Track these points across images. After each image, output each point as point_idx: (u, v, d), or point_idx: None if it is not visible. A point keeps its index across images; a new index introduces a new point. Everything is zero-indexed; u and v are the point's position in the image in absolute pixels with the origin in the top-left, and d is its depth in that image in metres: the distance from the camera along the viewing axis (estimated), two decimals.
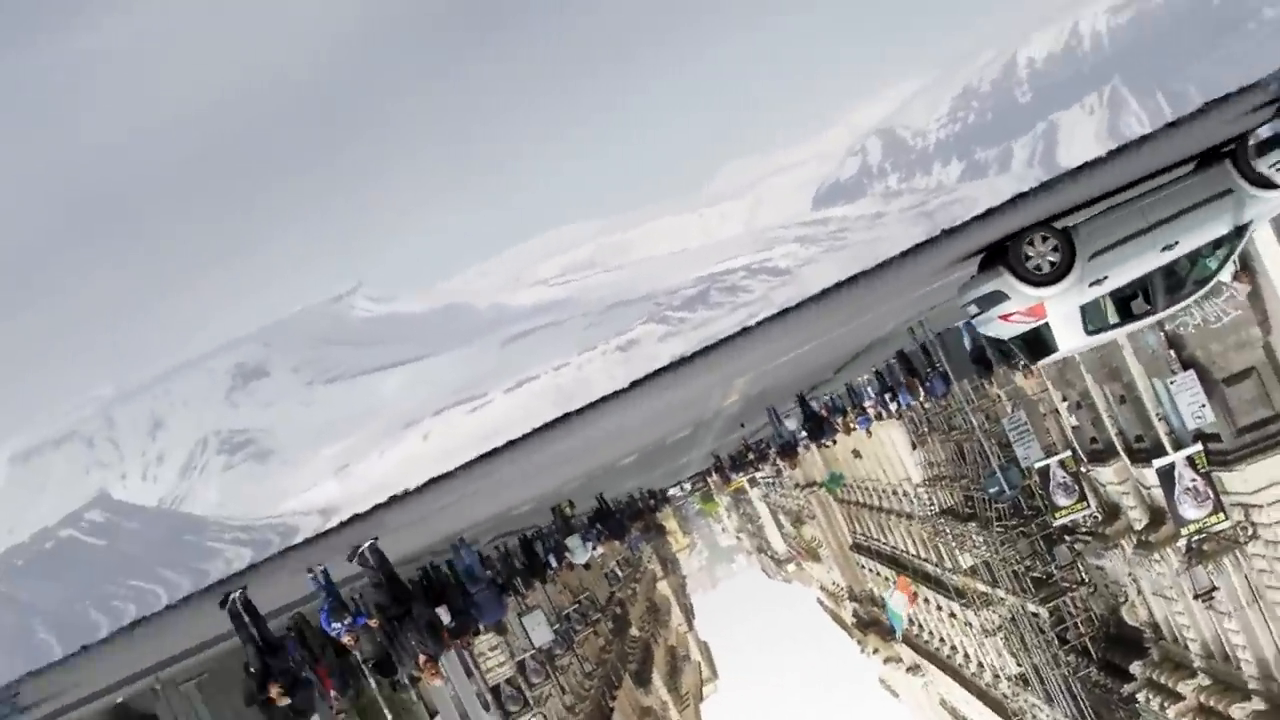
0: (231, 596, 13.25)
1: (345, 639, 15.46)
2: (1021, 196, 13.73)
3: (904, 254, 14.20)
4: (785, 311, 15.12)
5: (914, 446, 55.48)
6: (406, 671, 16.38)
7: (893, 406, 40.60)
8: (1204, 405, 26.51)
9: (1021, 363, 24.69)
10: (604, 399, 14.96)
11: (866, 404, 41.81)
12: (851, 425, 40.99)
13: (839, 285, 14.94)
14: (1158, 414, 28.73)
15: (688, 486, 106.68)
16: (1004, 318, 16.63)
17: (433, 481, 14.15)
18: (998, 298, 16.70)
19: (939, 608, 65.77)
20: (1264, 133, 15.18)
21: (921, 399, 38.42)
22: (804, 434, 38.32)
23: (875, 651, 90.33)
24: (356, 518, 13.58)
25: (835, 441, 42.30)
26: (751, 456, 58.10)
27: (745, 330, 15.74)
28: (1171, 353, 27.14)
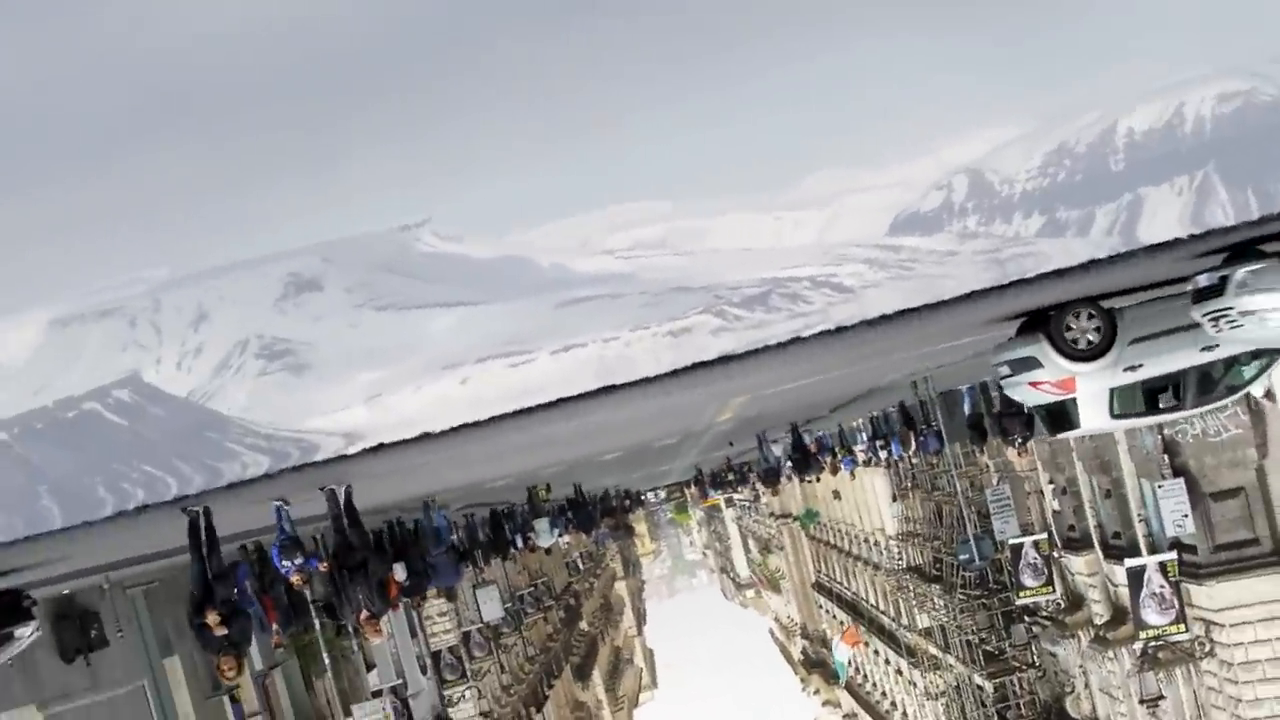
0: (194, 510, 13.14)
1: (293, 578, 15.37)
2: (1092, 264, 13.72)
3: (962, 297, 14.15)
4: (802, 339, 15.09)
5: (894, 499, 55.48)
6: (349, 622, 16.34)
7: (883, 454, 40.62)
8: (1187, 515, 26.50)
9: (1017, 439, 24.70)
10: (606, 390, 14.95)
11: (857, 448, 41.82)
12: (837, 465, 41.02)
13: (869, 322, 14.93)
14: (1140, 515, 28.73)
15: (664, 494, 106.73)
16: (1034, 384, 16.58)
17: (450, 431, 14.05)
18: (1031, 363, 16.67)
19: (887, 661, 65.76)
20: None
21: (912, 452, 38.42)
22: (789, 464, 38.34)
23: (816, 692, 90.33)
24: (380, 447, 13.49)
25: (819, 479, 42.33)
26: (731, 477, 58.13)
27: (758, 351, 15.72)
28: (1165, 457, 27.14)
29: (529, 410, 14.47)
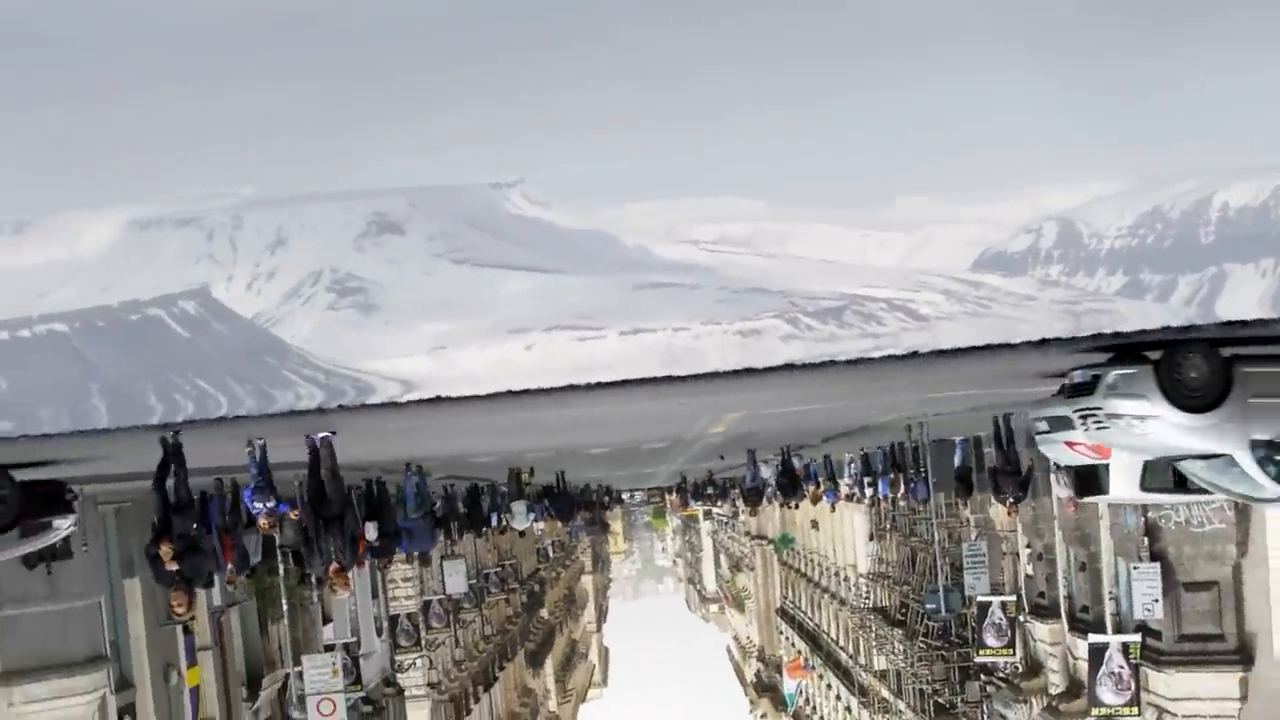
0: (170, 436, 12.88)
1: (262, 521, 15.25)
2: (1167, 330, 13.72)
3: (1033, 343, 14.09)
4: (829, 363, 15.05)
5: (871, 537, 55.48)
6: (316, 573, 16.23)
7: (869, 492, 40.61)
8: (1157, 600, 26.51)
9: (1009, 498, 24.68)
10: (611, 384, 14.93)
11: (843, 481, 41.81)
12: (819, 494, 41.02)
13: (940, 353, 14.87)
14: (1111, 592, 28.74)
15: (644, 496, 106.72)
16: (1070, 445, 16.38)
17: (504, 395, 13.94)
18: (1069, 424, 16.40)
19: (838, 697, 65.76)
20: None
21: (899, 495, 38.42)
22: (773, 486, 38.35)
23: (763, 716, 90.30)
24: (436, 400, 13.37)
25: (798, 505, 42.33)
26: (711, 490, 58.13)
27: (771, 369, 15.71)
28: (1145, 540, 27.14)
29: (586, 387, 14.33)
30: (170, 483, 12.92)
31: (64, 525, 14.15)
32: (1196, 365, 13.60)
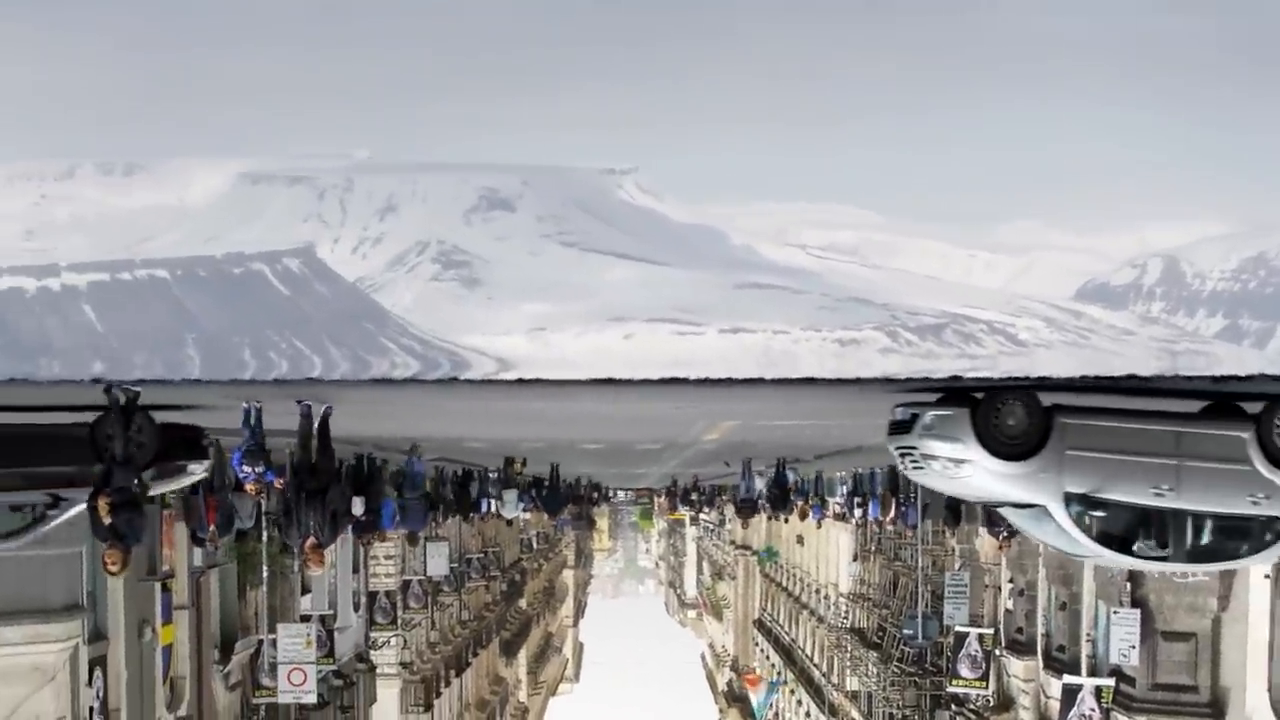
0: (118, 392, 12.56)
1: (248, 486, 15.09)
2: (1254, 378, 13.49)
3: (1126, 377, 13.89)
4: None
5: (855, 558, 55.45)
6: (294, 544, 16.08)
7: (858, 512, 40.56)
8: (1134, 647, 26.51)
9: (1004, 531, 24.66)
10: (615, 381, 14.90)
11: (833, 499, 41.78)
12: (807, 510, 40.99)
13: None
14: (1089, 634, 28.73)
15: (632, 496, 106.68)
16: None
17: (596, 382, 13.83)
18: None
19: (808, 714, 65.73)
20: None
21: (888, 518, 38.38)
22: (765, 498, 38.30)
23: None
24: (530, 381, 13.26)
25: (787, 519, 42.30)
26: (696, 497, 58.06)
27: (782, 381, 15.66)
28: (1128, 585, 27.15)
29: (678, 382, 14.23)
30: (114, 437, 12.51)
31: (198, 470, 14.11)
32: (1015, 412, 13.33)
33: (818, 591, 65.87)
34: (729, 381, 15.37)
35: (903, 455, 13.97)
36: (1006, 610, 34.41)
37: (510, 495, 33.88)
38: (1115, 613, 26.95)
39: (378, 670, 43.97)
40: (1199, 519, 13.97)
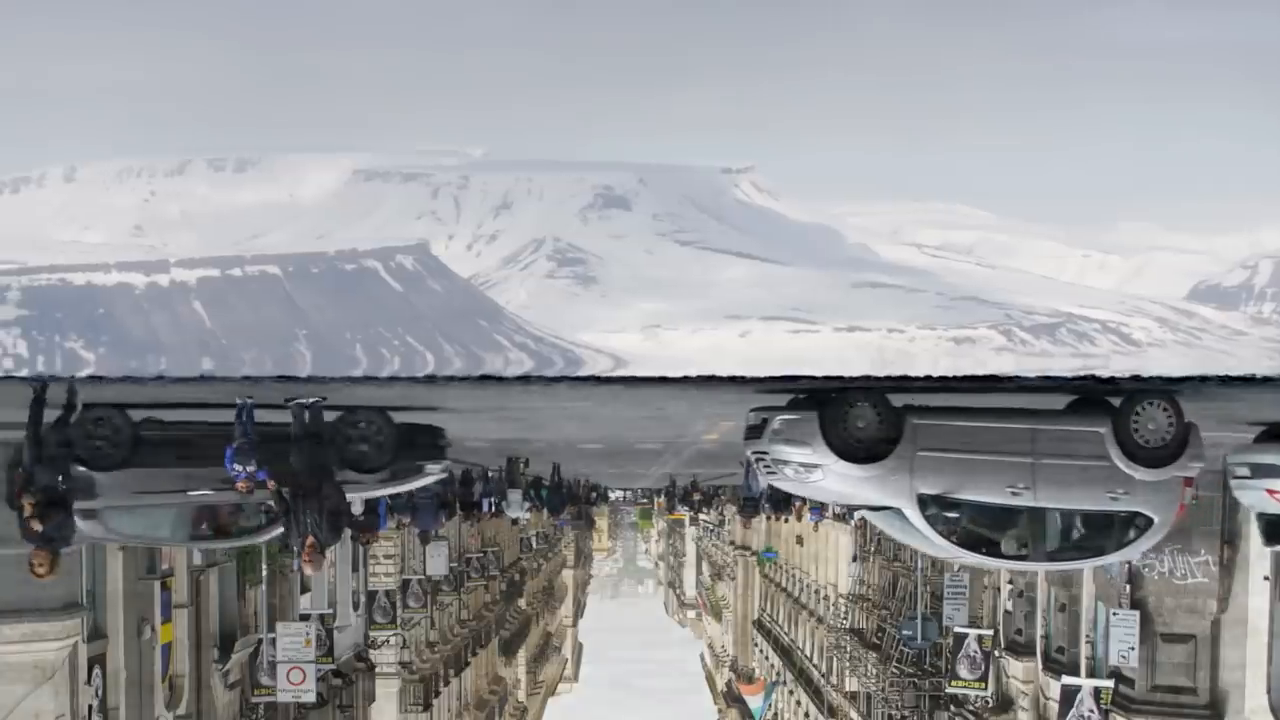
0: (38, 383, 12.26)
1: (239, 485, 14.86)
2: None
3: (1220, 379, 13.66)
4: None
5: (855, 559, 55.43)
6: (296, 545, 15.89)
7: (857, 514, 40.55)
8: (1133, 649, 26.49)
9: None
10: (619, 379, 14.90)
11: None
12: (803, 511, 40.98)
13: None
14: (1088, 636, 28.71)
15: (632, 496, 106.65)
16: (1272, 492, 15.14)
17: (710, 379, 13.67)
18: (1273, 470, 14.81)
19: (807, 715, 65.71)
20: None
21: None
22: (766, 499, 38.28)
23: None
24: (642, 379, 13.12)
25: (788, 520, 42.27)
26: (698, 497, 58.02)
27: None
28: (1127, 587, 27.13)
29: (790, 379, 14.09)
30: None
31: (435, 470, 14.09)
32: (864, 414, 13.13)
33: (817, 592, 65.85)
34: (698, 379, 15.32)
35: (757, 460, 13.79)
36: (1006, 611, 34.39)
37: (515, 495, 33.87)
38: (1114, 614, 26.93)
39: (377, 669, 43.95)
40: (1061, 517, 13.77)
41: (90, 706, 21.62)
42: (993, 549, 14.04)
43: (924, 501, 13.35)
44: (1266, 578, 24.88)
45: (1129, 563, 26.92)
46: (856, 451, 13.12)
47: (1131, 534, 13.94)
